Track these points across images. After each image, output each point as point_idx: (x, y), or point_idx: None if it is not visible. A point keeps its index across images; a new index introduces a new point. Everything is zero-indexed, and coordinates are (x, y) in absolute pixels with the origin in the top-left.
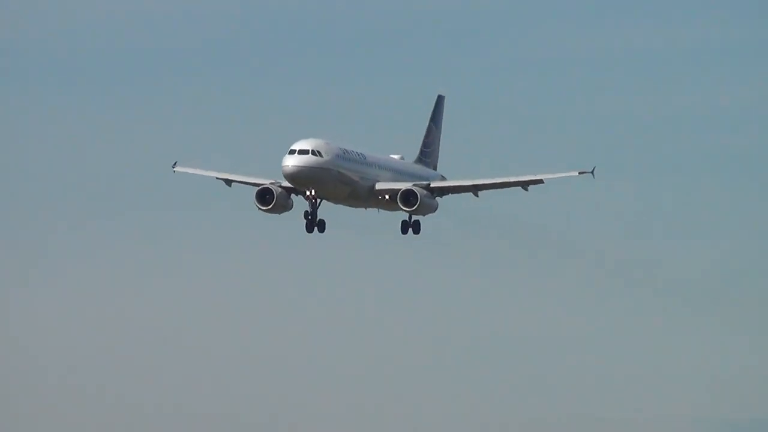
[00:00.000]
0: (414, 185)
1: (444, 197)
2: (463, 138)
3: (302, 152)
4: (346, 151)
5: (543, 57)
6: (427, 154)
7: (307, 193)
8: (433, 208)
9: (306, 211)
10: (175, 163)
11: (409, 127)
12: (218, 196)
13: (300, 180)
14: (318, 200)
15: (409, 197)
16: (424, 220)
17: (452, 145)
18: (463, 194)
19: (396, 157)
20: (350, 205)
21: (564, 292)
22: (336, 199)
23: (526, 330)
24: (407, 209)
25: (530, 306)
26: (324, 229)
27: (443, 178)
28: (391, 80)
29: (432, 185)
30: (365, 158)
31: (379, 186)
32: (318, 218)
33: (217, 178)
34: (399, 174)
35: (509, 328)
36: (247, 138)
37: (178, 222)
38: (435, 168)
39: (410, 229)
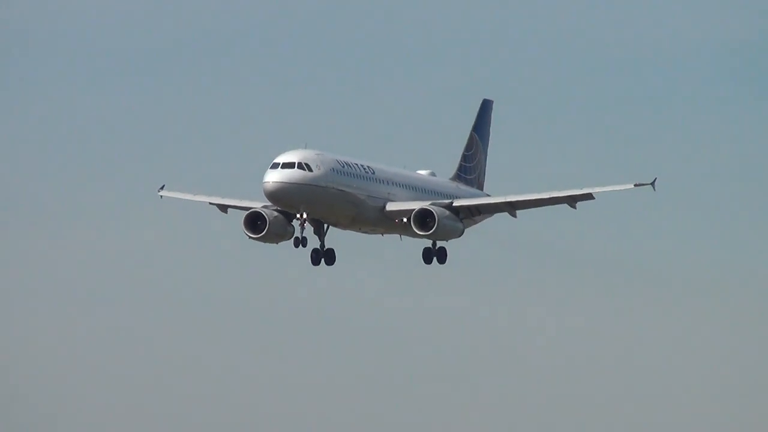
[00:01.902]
0: (432, 204)
1: (479, 219)
2: (513, 152)
3: (286, 166)
4: (347, 164)
5: (603, 57)
6: (469, 169)
7: (298, 216)
8: (457, 232)
9: (296, 238)
10: (162, 187)
11: (448, 138)
12: (209, 223)
13: (284, 200)
14: (325, 225)
15: (425, 218)
16: (453, 247)
17: (500, 161)
18: (500, 215)
19: (424, 173)
20: (362, 231)
21: (625, 333)
22: (339, 224)
23: (578, 386)
24: (423, 233)
25: (581, 355)
26: (333, 260)
27: None
28: (425, 85)
29: (455, 204)
30: (373, 173)
31: (390, 207)
32: (326, 247)
33: (210, 203)
34: (421, 192)
35: (556, 382)
36: (249, 156)
37: (164, 255)
38: (480, 187)
39: (434, 258)
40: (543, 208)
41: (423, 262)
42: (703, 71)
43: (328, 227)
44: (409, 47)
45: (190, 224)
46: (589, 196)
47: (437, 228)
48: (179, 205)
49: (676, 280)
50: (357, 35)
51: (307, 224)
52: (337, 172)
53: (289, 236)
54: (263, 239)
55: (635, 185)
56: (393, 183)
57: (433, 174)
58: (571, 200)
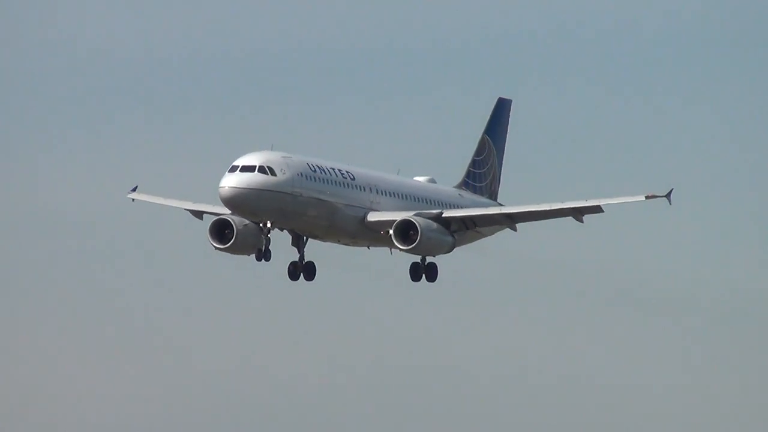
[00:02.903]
0: (416, 215)
1: (487, 233)
2: (533, 157)
3: (246, 169)
4: (321, 168)
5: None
6: (479, 176)
7: (261, 226)
8: (445, 247)
9: (258, 250)
10: (134, 188)
11: (456, 142)
12: (180, 230)
13: (242, 208)
14: (304, 237)
15: (407, 231)
16: (445, 263)
17: (518, 167)
18: (501, 229)
19: (421, 179)
20: (344, 243)
21: (636, 363)
22: (315, 235)
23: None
24: (404, 247)
25: (589, 395)
26: (313, 275)
27: None
28: (431, 83)
29: (445, 215)
30: (353, 178)
31: (372, 217)
32: (305, 260)
33: (184, 209)
34: (414, 201)
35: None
36: (229, 160)
37: (126, 263)
38: (493, 196)
39: (423, 275)
40: (547, 221)
41: (410, 279)
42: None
43: (307, 238)
44: (410, 40)
45: (159, 230)
46: (597, 209)
47: (420, 242)
48: (150, 210)
49: (695, 304)
50: (351, 28)
51: (287, 235)
52: (307, 177)
53: (260, 247)
54: (231, 250)
55: (647, 197)
56: (378, 190)
57: (432, 181)
58: (578, 213)
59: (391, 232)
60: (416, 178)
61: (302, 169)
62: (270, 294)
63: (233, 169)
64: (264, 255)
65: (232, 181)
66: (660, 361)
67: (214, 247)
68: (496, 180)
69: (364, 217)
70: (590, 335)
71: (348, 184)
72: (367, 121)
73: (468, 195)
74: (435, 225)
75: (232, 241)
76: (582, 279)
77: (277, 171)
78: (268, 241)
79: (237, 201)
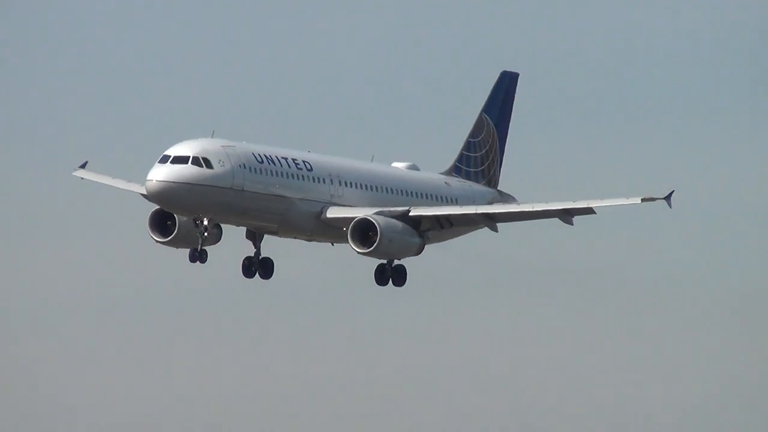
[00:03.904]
0: (377, 213)
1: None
2: (537, 143)
3: (178, 160)
4: (268, 157)
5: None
6: (473, 160)
7: (198, 222)
8: (412, 250)
9: (193, 250)
10: (84, 164)
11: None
12: (127, 213)
13: (173, 204)
14: (260, 234)
15: (366, 231)
16: (415, 265)
17: (523, 151)
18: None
19: (401, 166)
20: (305, 240)
21: (628, 382)
22: (265, 231)
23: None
24: (361, 250)
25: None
26: (271, 273)
27: (504, 200)
28: (419, 53)
29: (413, 213)
30: (310, 169)
31: (331, 213)
32: (261, 256)
33: (136, 192)
34: (388, 193)
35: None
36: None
37: (61, 248)
38: (492, 183)
39: (390, 279)
40: (534, 222)
41: (375, 282)
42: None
43: (262, 234)
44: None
45: (102, 213)
46: (588, 211)
47: (379, 244)
48: (96, 189)
49: (696, 314)
50: None
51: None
52: (251, 169)
53: (212, 240)
54: (174, 244)
55: (643, 200)
56: (341, 181)
57: (414, 167)
58: (567, 214)
59: (347, 232)
60: (395, 165)
61: (245, 159)
62: (220, 293)
63: (164, 159)
64: (199, 256)
65: (160, 174)
66: (656, 372)
67: (155, 240)
68: (496, 165)
69: (322, 212)
70: (576, 346)
71: (303, 176)
72: (341, 98)
73: (457, 183)
74: (400, 225)
75: (173, 234)
76: (568, 284)
77: (213, 162)
78: (204, 239)
79: (166, 197)
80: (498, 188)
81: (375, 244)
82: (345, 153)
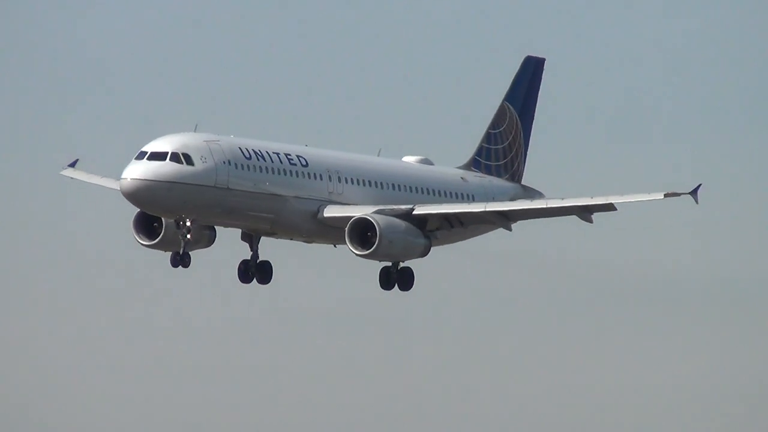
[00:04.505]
0: (378, 212)
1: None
2: (564, 134)
3: (155, 157)
4: (257, 153)
5: None
6: (494, 153)
7: (181, 223)
8: (417, 251)
9: (175, 254)
10: (74, 163)
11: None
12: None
13: (150, 204)
14: (257, 236)
15: (365, 232)
16: (424, 267)
17: (548, 146)
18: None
19: (412, 160)
20: (302, 241)
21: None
22: (258, 232)
23: None
24: (360, 252)
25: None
26: (269, 277)
27: (528, 196)
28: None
29: (417, 212)
30: (305, 164)
31: (329, 212)
32: (259, 259)
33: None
34: (390, 190)
35: None
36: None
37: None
38: (516, 177)
39: (395, 282)
40: (550, 219)
41: (380, 287)
42: None
43: (259, 237)
44: None
45: (88, 214)
46: (608, 207)
47: (379, 246)
48: (84, 189)
49: (724, 315)
50: None
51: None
52: (237, 166)
53: (204, 242)
54: (161, 247)
55: (666, 195)
56: (340, 177)
57: (427, 161)
58: (585, 211)
59: (345, 233)
60: (405, 159)
61: (231, 155)
62: (215, 299)
63: (140, 156)
64: (181, 260)
65: (136, 172)
66: (682, 376)
67: (140, 243)
68: (520, 158)
69: (319, 211)
70: (598, 354)
71: (297, 172)
72: (347, 88)
73: (475, 178)
74: (403, 225)
75: (160, 237)
76: (588, 287)
77: (195, 158)
78: (187, 242)
79: (142, 196)
80: (522, 183)
81: (374, 246)
82: (351, 148)
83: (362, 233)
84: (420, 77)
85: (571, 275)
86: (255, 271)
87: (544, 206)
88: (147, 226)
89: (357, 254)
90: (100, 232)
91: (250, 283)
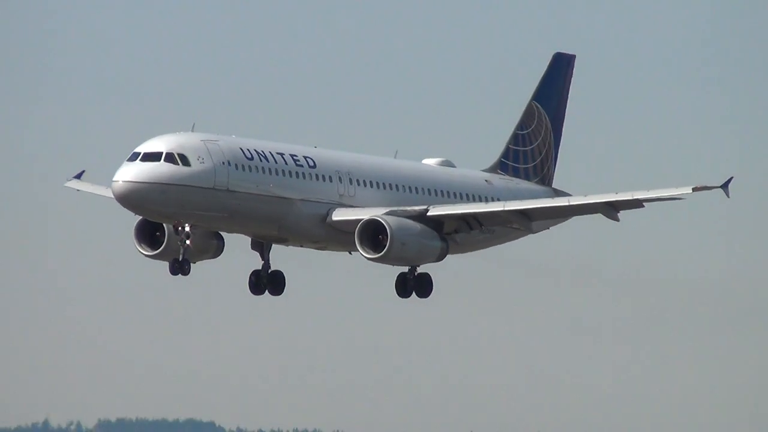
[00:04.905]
0: (389, 213)
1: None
2: (597, 134)
3: (149, 158)
4: (260, 153)
5: None
6: (523, 156)
7: (179, 228)
8: (432, 254)
9: (174, 261)
10: (80, 174)
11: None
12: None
13: (143, 208)
14: (268, 244)
15: (377, 234)
16: (439, 273)
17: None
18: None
19: (431, 162)
20: (313, 248)
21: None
22: (265, 238)
23: None
24: (370, 256)
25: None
26: (282, 288)
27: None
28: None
29: (432, 213)
30: (313, 165)
31: (338, 215)
32: (271, 269)
33: None
34: (407, 193)
35: None
36: None
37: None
38: (546, 180)
39: (413, 289)
40: (576, 218)
41: (396, 294)
42: None
43: (269, 245)
44: None
45: (92, 226)
46: (635, 204)
47: (390, 249)
48: (88, 200)
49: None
50: None
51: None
52: (238, 166)
53: (210, 252)
54: (164, 257)
55: (694, 189)
56: (351, 179)
57: (448, 163)
58: (611, 209)
59: (355, 236)
60: (426, 161)
61: (231, 155)
62: (226, 311)
63: (133, 157)
64: (180, 267)
65: (128, 174)
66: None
67: (142, 253)
68: (550, 160)
69: (328, 215)
70: (632, 366)
71: (304, 173)
72: (365, 88)
73: (501, 181)
74: (417, 227)
75: (163, 246)
76: (617, 291)
77: (191, 159)
78: (186, 248)
79: (135, 200)
80: (553, 186)
81: (386, 248)
82: (368, 150)
83: (373, 236)
84: (443, 77)
85: (596, 277)
86: (267, 281)
87: (566, 204)
88: (149, 235)
89: (368, 258)
90: (104, 244)
91: (262, 295)
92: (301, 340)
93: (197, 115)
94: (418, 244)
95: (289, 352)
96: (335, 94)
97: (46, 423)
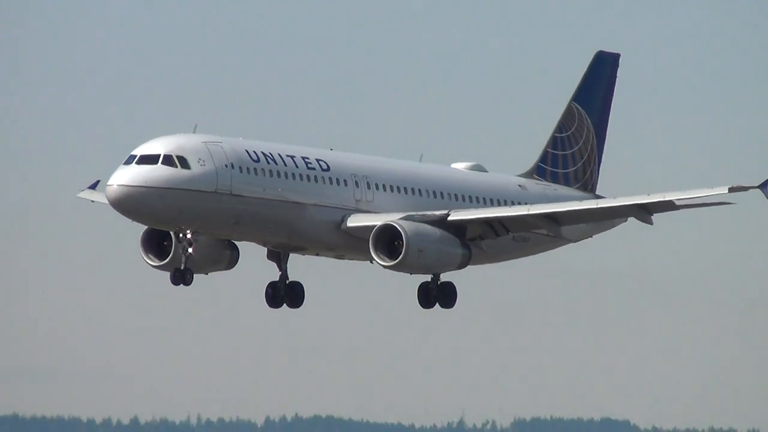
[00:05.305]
0: (405, 218)
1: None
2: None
3: (145, 160)
4: (268, 155)
5: None
6: (563, 160)
7: (180, 235)
8: (453, 262)
9: (176, 270)
10: (95, 184)
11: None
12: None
13: (139, 214)
14: (285, 253)
15: (391, 240)
16: (463, 281)
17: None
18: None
19: (461, 166)
20: (331, 257)
21: None
22: (278, 246)
23: None
24: (386, 264)
25: None
26: (301, 300)
27: None
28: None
29: (452, 217)
30: (326, 168)
31: (353, 221)
32: (289, 280)
33: None
34: (430, 198)
35: None
36: None
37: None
38: (588, 186)
39: (436, 299)
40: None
41: (419, 305)
42: None
43: (286, 255)
44: None
45: (104, 237)
46: (669, 206)
47: (406, 255)
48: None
49: None
50: None
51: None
52: (242, 169)
53: (223, 263)
54: (170, 267)
55: (730, 190)
56: (369, 183)
57: (479, 168)
58: (643, 212)
59: (369, 242)
60: (454, 165)
61: (235, 158)
62: (241, 326)
63: (129, 160)
64: (181, 276)
65: (123, 178)
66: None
67: (149, 264)
68: (592, 165)
69: (343, 221)
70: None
71: (316, 177)
72: (392, 88)
73: (537, 186)
74: (436, 232)
75: (170, 256)
76: (650, 299)
77: (191, 161)
78: (188, 257)
79: (130, 205)
80: (596, 193)
81: (401, 256)
82: (394, 154)
83: (389, 242)
84: (476, 77)
85: (629, 285)
86: (284, 294)
87: (595, 207)
88: (157, 244)
89: (383, 265)
90: (115, 255)
91: (280, 308)
92: (323, 356)
93: (212, 119)
94: (436, 251)
95: (307, 371)
96: (359, 95)
97: (461, 423)
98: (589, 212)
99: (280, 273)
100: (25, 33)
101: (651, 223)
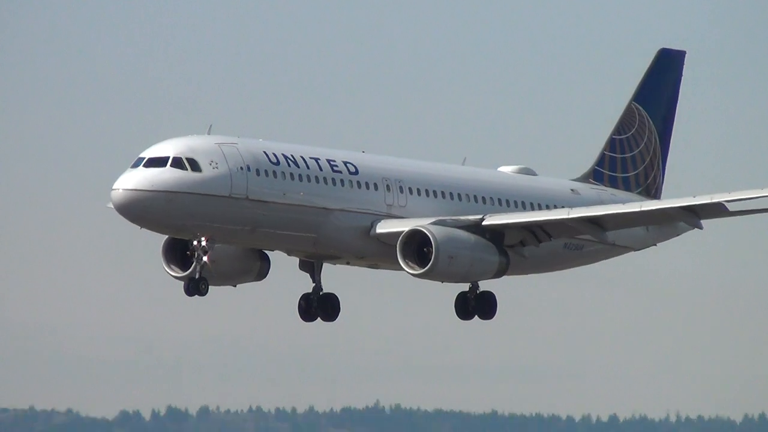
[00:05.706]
0: (435, 223)
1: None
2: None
3: (154, 163)
4: (289, 157)
5: None
6: (622, 164)
7: (195, 242)
8: (489, 270)
9: (190, 279)
10: None
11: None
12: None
13: (147, 220)
14: (318, 263)
15: (421, 247)
16: (503, 290)
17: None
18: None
19: (508, 170)
20: (362, 265)
21: None
22: (304, 256)
23: None
24: (413, 272)
25: None
26: (336, 313)
27: None
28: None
29: (487, 222)
30: (354, 171)
31: (382, 227)
32: (322, 291)
33: None
34: (470, 203)
35: None
36: None
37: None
38: (652, 192)
39: (474, 311)
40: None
41: (456, 315)
42: None
43: (320, 263)
44: None
45: (129, 249)
46: (718, 209)
47: (435, 262)
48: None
49: None
50: None
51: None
52: (259, 172)
53: (253, 274)
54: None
55: None
56: (402, 187)
57: (527, 171)
58: (691, 215)
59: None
60: (501, 169)
61: (251, 160)
62: (272, 339)
63: (136, 162)
64: (196, 287)
65: (130, 182)
66: None
67: (171, 275)
68: (656, 169)
69: (372, 227)
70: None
71: (343, 180)
72: (441, 90)
73: (591, 191)
74: (471, 238)
75: (192, 267)
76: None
77: (202, 164)
78: (203, 265)
79: (137, 210)
80: (661, 198)
81: (430, 263)
82: (439, 158)
83: (419, 249)
84: (530, 77)
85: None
86: (318, 306)
87: (638, 210)
88: (180, 254)
89: (412, 274)
90: (137, 265)
91: (314, 321)
92: (361, 371)
93: (230, 120)
94: (469, 257)
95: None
96: (400, 96)
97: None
98: (631, 215)
99: (314, 284)
100: (41, 34)
101: (701, 228)
